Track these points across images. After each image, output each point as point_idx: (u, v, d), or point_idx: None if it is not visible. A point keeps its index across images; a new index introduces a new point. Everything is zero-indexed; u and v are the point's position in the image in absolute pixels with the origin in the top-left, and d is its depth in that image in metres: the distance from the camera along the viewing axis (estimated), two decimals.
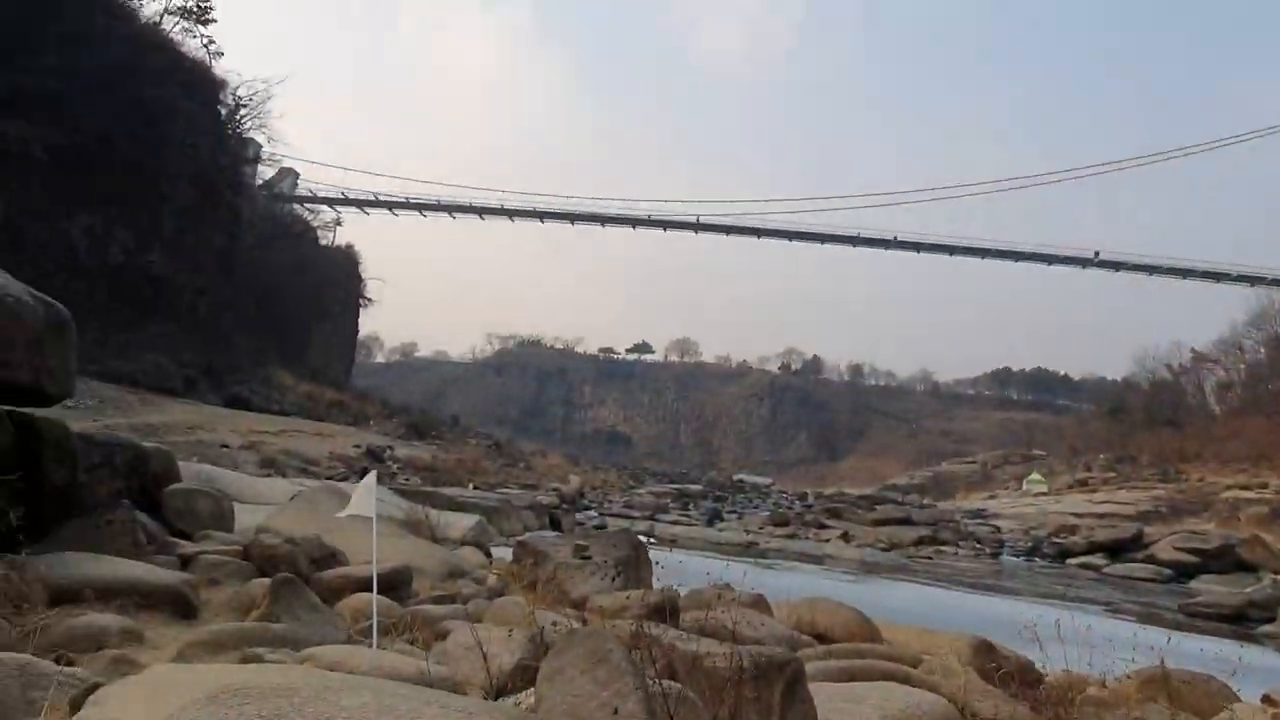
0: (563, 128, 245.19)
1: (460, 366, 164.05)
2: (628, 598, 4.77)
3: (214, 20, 43.95)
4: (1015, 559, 26.79)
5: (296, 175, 68.20)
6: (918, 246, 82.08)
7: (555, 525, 18.08)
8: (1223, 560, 22.20)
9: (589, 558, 5.62)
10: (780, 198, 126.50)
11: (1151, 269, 75.24)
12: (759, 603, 6.43)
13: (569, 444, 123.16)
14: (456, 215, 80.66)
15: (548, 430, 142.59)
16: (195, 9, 43.14)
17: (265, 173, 61.56)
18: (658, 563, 7.03)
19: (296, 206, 66.63)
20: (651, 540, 19.98)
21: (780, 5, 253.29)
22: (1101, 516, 36.61)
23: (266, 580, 4.40)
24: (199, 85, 42.25)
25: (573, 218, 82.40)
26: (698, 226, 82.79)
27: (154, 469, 5.68)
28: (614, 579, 5.35)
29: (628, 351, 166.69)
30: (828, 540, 24.94)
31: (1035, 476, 79.41)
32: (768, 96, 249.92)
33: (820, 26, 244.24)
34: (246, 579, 4.64)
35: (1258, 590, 16.77)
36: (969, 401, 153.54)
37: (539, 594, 5.37)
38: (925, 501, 69.69)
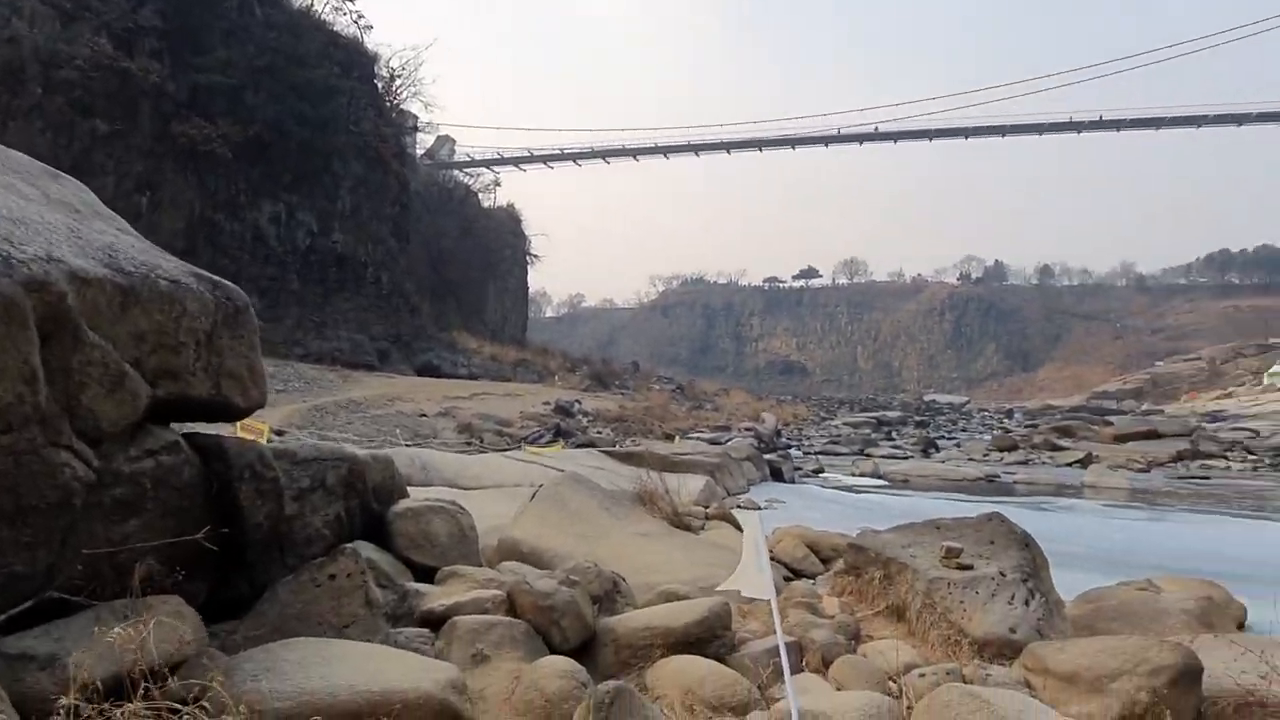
0: (710, 62, 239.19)
1: (627, 312, 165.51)
2: (1101, 649, 3.00)
3: None
4: None
5: (453, 141, 69.26)
6: (1117, 125, 73.27)
7: (777, 476, 16.51)
8: None
9: (969, 566, 3.90)
10: (950, 92, 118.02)
11: None
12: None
13: (743, 378, 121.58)
14: (610, 160, 79.75)
15: (719, 366, 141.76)
16: None
17: (425, 141, 62.70)
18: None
19: (457, 172, 67.69)
20: (884, 482, 18.10)
21: None
22: None
23: (558, 663, 2.96)
24: (354, 62, 42.67)
25: (728, 146, 79.39)
26: (868, 137, 77.39)
27: (373, 482, 4.43)
28: (1027, 601, 3.61)
29: (794, 278, 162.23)
30: (1078, 465, 22.07)
31: (1278, 369, 70.29)
32: None
33: None
34: (524, 652, 3.20)
35: None
36: (1181, 292, 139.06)
37: (915, 631, 3.74)
38: (1146, 407, 63.03)
